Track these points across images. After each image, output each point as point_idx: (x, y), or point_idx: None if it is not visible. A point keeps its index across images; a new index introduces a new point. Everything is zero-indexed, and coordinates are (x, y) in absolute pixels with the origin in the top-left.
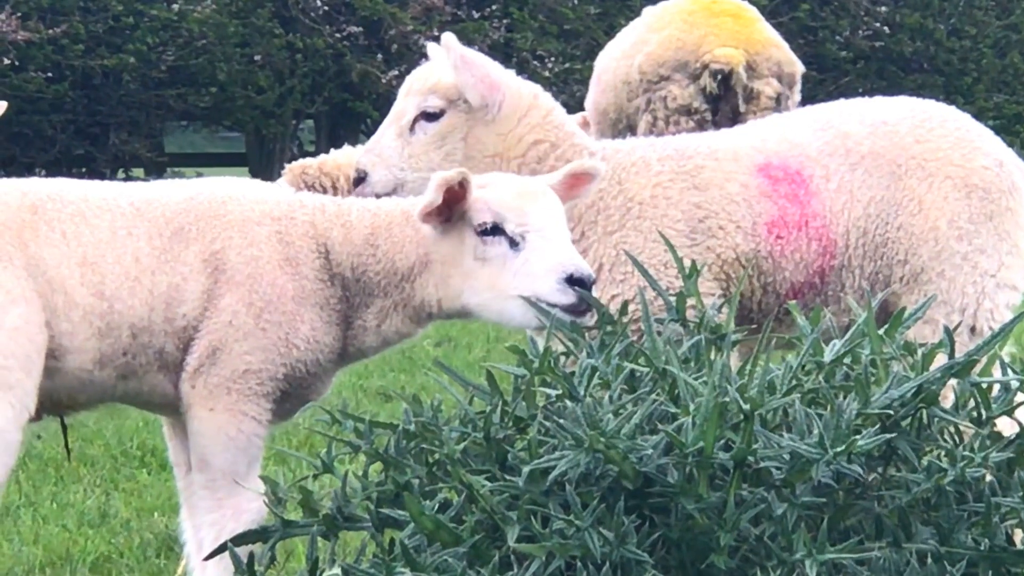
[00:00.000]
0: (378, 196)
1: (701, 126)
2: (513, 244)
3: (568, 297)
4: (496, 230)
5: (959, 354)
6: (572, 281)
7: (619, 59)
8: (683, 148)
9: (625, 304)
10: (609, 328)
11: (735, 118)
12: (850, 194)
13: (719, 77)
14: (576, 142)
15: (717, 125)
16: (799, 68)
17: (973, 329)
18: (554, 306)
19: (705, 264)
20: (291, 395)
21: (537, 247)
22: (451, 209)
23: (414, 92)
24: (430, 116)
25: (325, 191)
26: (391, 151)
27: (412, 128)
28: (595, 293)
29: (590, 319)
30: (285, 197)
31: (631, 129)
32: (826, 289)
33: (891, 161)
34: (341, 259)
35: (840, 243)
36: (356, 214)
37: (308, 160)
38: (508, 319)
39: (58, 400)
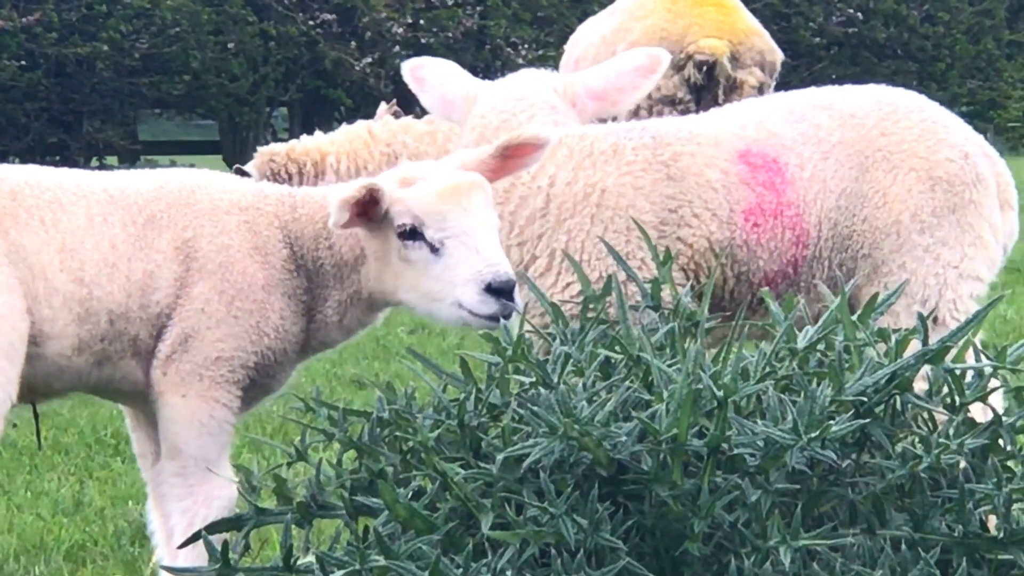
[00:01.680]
0: None
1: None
2: (433, 250)
3: (489, 307)
4: (416, 234)
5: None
6: (492, 289)
7: (598, 46)
8: (661, 135)
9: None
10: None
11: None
12: (823, 183)
13: (704, 68)
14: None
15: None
16: (779, 56)
17: (935, 320)
18: (477, 315)
19: (674, 254)
20: (256, 384)
21: (456, 255)
22: (369, 214)
23: None
24: None
25: (291, 177)
26: None
27: None
28: (548, 282)
29: (512, 319)
30: (250, 187)
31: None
32: (799, 279)
33: (859, 152)
34: (303, 252)
35: (812, 233)
36: (307, 207)
37: (277, 146)
38: (439, 318)
39: (34, 387)
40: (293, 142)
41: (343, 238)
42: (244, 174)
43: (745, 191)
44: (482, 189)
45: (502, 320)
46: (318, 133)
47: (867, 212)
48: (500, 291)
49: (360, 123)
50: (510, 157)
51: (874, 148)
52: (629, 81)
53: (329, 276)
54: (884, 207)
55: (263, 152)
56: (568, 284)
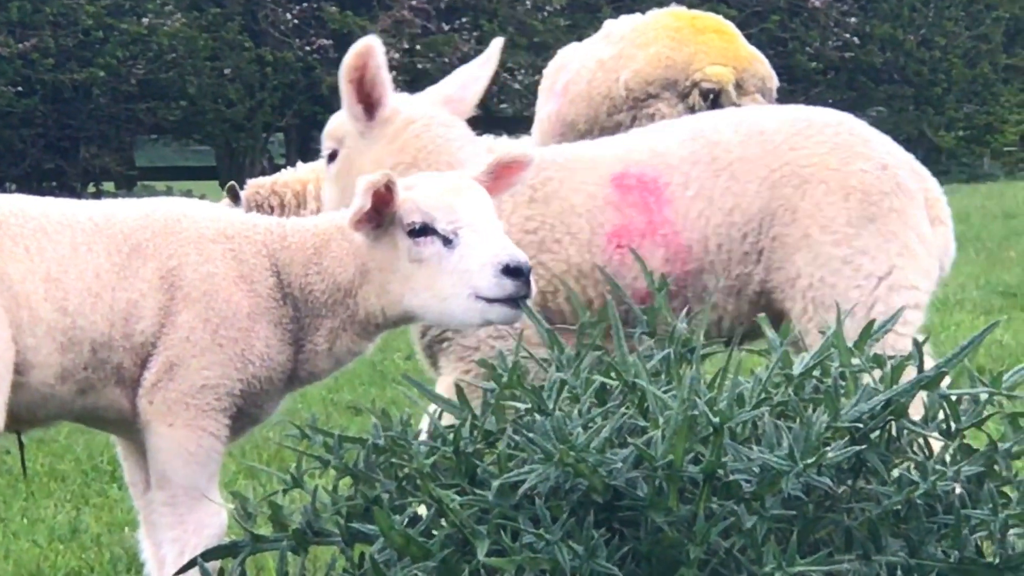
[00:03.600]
0: None
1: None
2: (447, 242)
3: (506, 289)
4: (427, 230)
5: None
6: (509, 271)
7: (595, 71)
8: (542, 160)
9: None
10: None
11: None
12: (709, 201)
13: (710, 96)
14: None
15: None
16: (776, 82)
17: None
18: (494, 301)
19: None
20: (244, 413)
21: (470, 242)
22: (381, 214)
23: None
24: (329, 159)
25: (273, 209)
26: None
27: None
28: None
29: (527, 305)
30: (238, 217)
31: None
32: (685, 292)
33: (765, 167)
34: (291, 280)
35: (696, 248)
36: (298, 235)
37: (262, 179)
38: (449, 318)
39: (18, 416)
40: (277, 175)
41: (339, 260)
42: (235, 194)
43: (612, 213)
44: (480, 188)
45: (520, 305)
46: (300, 164)
47: (776, 230)
48: (517, 272)
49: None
50: (499, 177)
51: (781, 163)
52: (470, 73)
53: (320, 304)
54: (793, 223)
55: (251, 185)
56: None
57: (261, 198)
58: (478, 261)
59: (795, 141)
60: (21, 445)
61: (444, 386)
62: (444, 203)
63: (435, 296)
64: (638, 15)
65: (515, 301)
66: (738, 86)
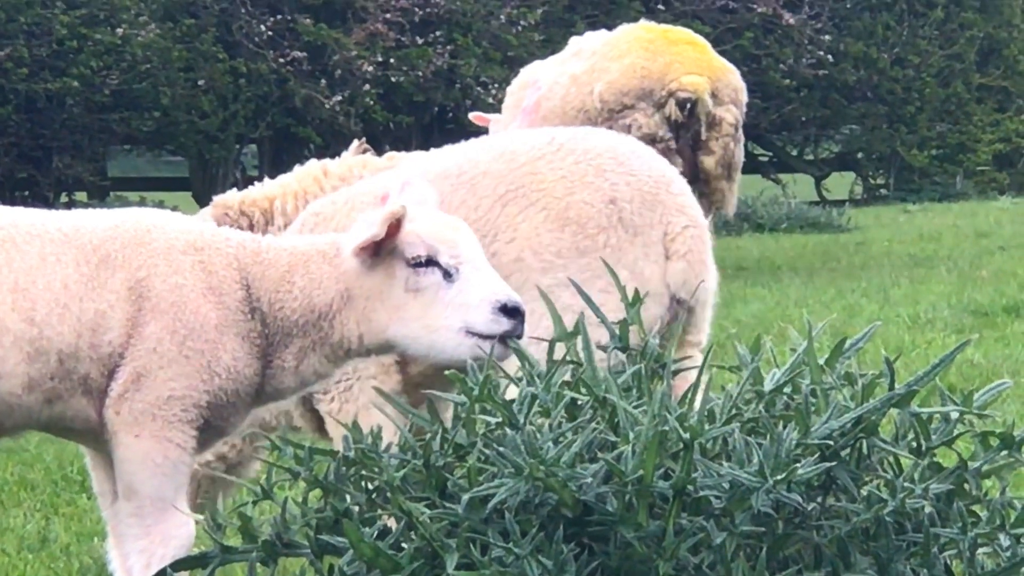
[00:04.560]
0: None
1: (665, 154)
2: (447, 275)
3: (501, 326)
4: (430, 262)
5: None
6: (506, 311)
7: (568, 86)
8: (320, 204)
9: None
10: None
11: (696, 145)
12: (449, 211)
13: (686, 106)
14: None
15: (680, 152)
16: (746, 95)
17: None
18: (487, 337)
19: None
20: (211, 425)
21: (470, 278)
22: (379, 244)
23: None
24: None
25: (242, 228)
26: None
27: None
28: None
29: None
30: (209, 229)
31: None
32: None
33: (503, 184)
34: (260, 295)
35: None
36: (273, 253)
37: (229, 197)
38: (439, 351)
39: None
40: (244, 192)
41: (318, 282)
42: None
43: None
44: (469, 228)
45: (509, 344)
46: (267, 179)
47: (497, 246)
48: (513, 312)
49: (314, 162)
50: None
51: (517, 184)
52: None
53: (290, 323)
54: (512, 243)
55: (217, 204)
56: None
57: (230, 220)
58: (478, 296)
59: (536, 165)
60: None
61: None
62: (448, 238)
63: (425, 327)
64: (605, 31)
65: (503, 340)
66: (713, 95)
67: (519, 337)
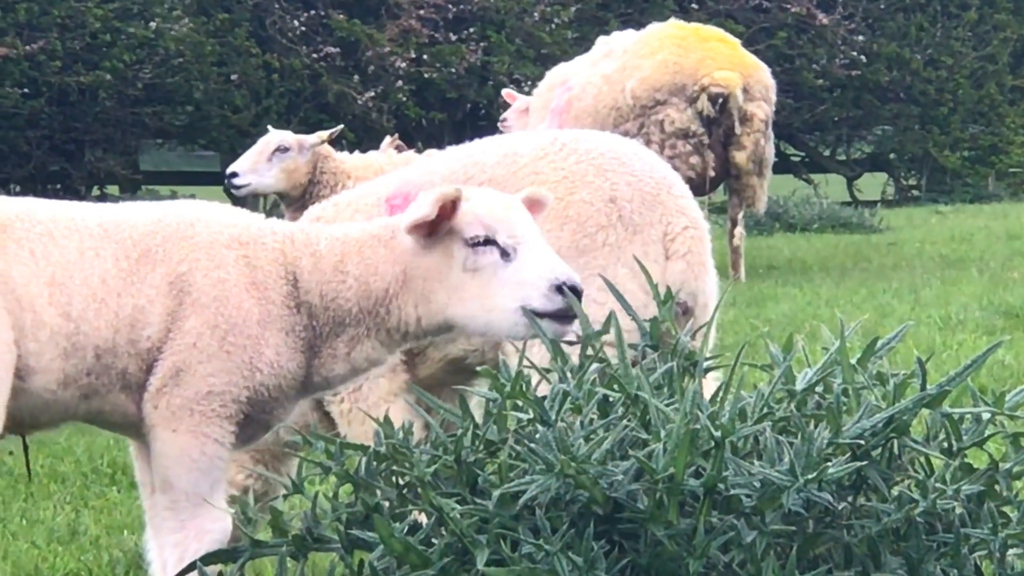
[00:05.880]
0: None
1: (697, 149)
2: (504, 255)
3: (555, 303)
4: (488, 241)
5: None
6: (561, 290)
7: (600, 86)
8: (323, 205)
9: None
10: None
11: (727, 140)
12: None
13: (718, 101)
14: None
15: (711, 148)
16: (775, 93)
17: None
18: (543, 315)
19: None
20: (253, 419)
21: (528, 257)
22: (435, 225)
23: None
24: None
25: (321, 184)
26: None
27: None
28: None
29: (574, 328)
30: (256, 222)
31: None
32: None
33: (509, 188)
34: (310, 287)
35: None
36: (325, 243)
37: (342, 156)
38: (496, 329)
39: (20, 420)
40: (347, 156)
41: (375, 267)
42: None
43: None
44: (524, 207)
45: (568, 323)
46: (357, 153)
47: None
48: (570, 290)
49: (372, 154)
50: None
51: (519, 186)
52: None
53: (344, 311)
54: None
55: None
56: None
57: (328, 173)
58: (535, 274)
59: (538, 166)
60: (25, 447)
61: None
62: (505, 217)
63: (483, 306)
64: (633, 31)
65: (563, 317)
66: (745, 91)
67: (574, 317)
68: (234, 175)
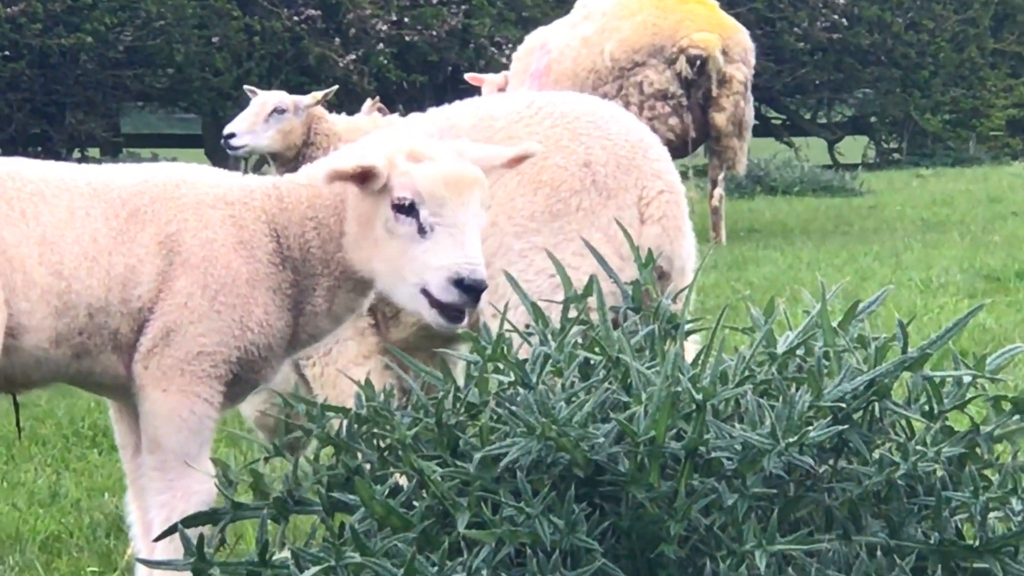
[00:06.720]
0: None
1: (676, 111)
2: (421, 231)
3: (451, 296)
4: (411, 210)
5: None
6: (463, 285)
7: (578, 48)
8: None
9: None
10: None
11: (707, 102)
12: None
13: (696, 63)
14: None
15: (690, 110)
16: (754, 55)
17: (528, 327)
18: (436, 304)
19: None
20: (241, 379)
21: (443, 242)
22: (367, 177)
23: None
24: None
25: (312, 145)
26: None
27: None
28: None
29: (462, 326)
30: (237, 181)
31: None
32: None
33: None
34: (290, 241)
35: None
36: (292, 192)
37: (333, 116)
38: (397, 298)
39: (11, 378)
40: (339, 117)
41: (330, 210)
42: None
43: None
44: (482, 187)
45: (455, 321)
46: (345, 115)
47: None
48: (469, 289)
49: (359, 116)
50: (510, 166)
51: None
52: None
53: (316, 260)
54: (488, 209)
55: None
56: None
57: (320, 134)
58: (439, 262)
59: (513, 129)
60: (16, 407)
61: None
62: (437, 194)
63: (391, 270)
64: None
65: (454, 313)
66: (724, 53)
67: (468, 315)
68: (232, 135)
